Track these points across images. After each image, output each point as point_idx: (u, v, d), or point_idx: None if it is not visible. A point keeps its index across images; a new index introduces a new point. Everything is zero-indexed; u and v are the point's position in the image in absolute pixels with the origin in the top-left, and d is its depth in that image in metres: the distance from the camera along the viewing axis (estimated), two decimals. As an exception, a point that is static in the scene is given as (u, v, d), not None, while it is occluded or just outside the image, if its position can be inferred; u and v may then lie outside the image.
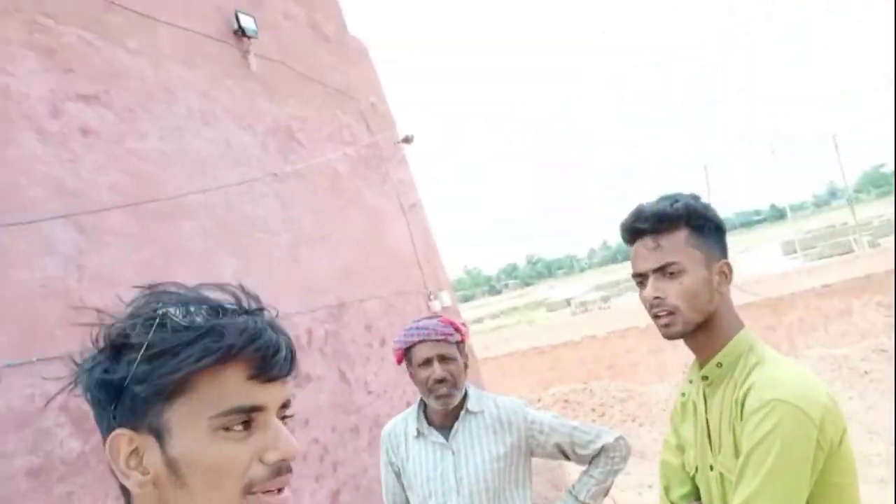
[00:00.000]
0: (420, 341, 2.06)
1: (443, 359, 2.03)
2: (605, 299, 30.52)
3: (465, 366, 2.12)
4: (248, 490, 0.72)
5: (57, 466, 3.00)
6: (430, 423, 2.13)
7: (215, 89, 4.72)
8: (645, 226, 1.44)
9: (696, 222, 1.43)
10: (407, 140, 6.79)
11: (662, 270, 1.42)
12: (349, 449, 5.14)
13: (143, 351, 0.72)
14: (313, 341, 5.07)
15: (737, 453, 1.32)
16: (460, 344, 2.09)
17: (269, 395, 0.75)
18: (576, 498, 2.07)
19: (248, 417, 0.73)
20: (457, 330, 2.08)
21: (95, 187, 3.55)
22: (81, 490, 3.06)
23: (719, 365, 1.42)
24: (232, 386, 0.73)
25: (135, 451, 0.74)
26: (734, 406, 1.34)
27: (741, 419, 1.30)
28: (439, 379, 2.01)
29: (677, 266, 1.40)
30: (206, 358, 0.71)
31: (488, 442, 2.06)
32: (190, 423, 0.72)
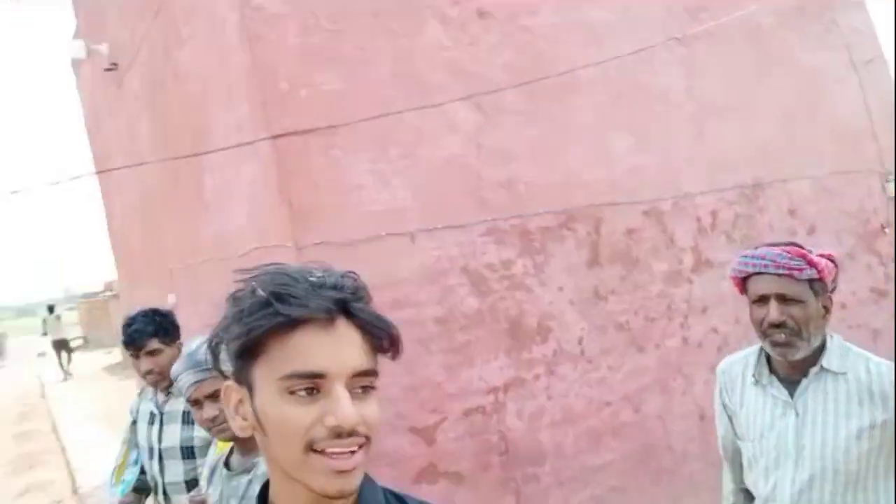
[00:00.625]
0: (756, 273, 1.65)
1: (783, 299, 1.58)
2: None
3: (825, 311, 1.64)
4: (310, 448, 0.77)
5: (458, 318, 3.47)
6: (772, 371, 1.74)
7: (617, -49, 4.42)
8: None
9: None
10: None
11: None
12: (755, 343, 4.68)
13: (232, 313, 0.82)
14: (718, 224, 4.64)
15: None
16: (817, 282, 1.61)
17: (331, 363, 0.78)
18: None
19: (311, 383, 0.78)
20: (811, 264, 1.60)
21: (491, 68, 3.76)
22: (477, 340, 3.50)
23: None
24: (296, 351, 0.78)
25: (240, 401, 0.84)
26: None
27: None
28: (775, 323, 1.60)
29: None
30: (270, 322, 0.77)
31: (848, 413, 1.60)
32: (266, 382, 0.79)
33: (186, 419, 2.51)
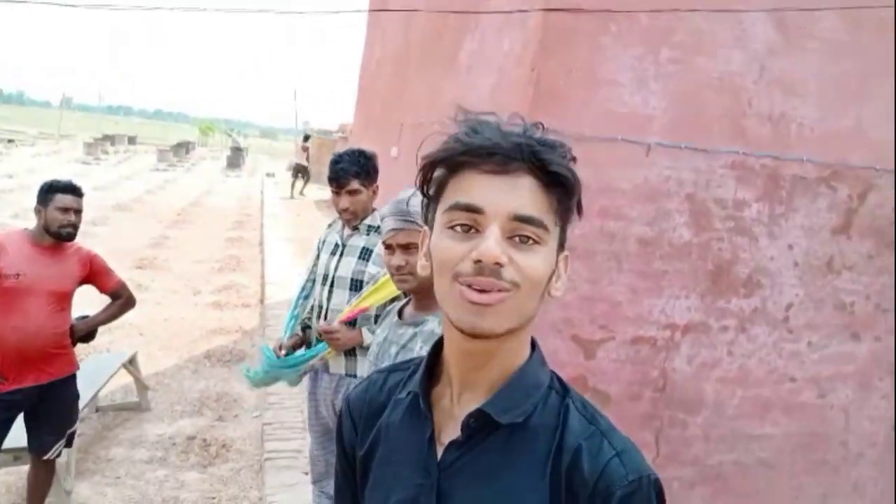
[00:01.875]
0: None
1: None
2: None
3: None
4: (456, 278, 0.78)
5: (663, 245, 3.32)
6: None
7: None
8: None
9: None
10: None
11: None
12: None
13: (426, 161, 0.85)
14: None
15: None
16: None
17: (491, 201, 0.78)
18: None
19: (470, 219, 0.78)
20: None
21: (814, -19, 3.18)
22: (675, 273, 3.35)
23: None
24: (465, 185, 0.80)
25: (423, 242, 0.90)
26: None
27: None
28: None
29: None
30: (443, 159, 0.81)
31: None
32: (438, 220, 0.83)
33: (363, 254, 2.68)
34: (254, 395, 5.12)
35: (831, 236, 3.52)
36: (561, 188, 0.80)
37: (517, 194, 0.78)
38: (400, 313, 1.96)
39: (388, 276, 2.59)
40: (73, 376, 3.08)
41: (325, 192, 21.23)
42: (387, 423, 0.94)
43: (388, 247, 1.87)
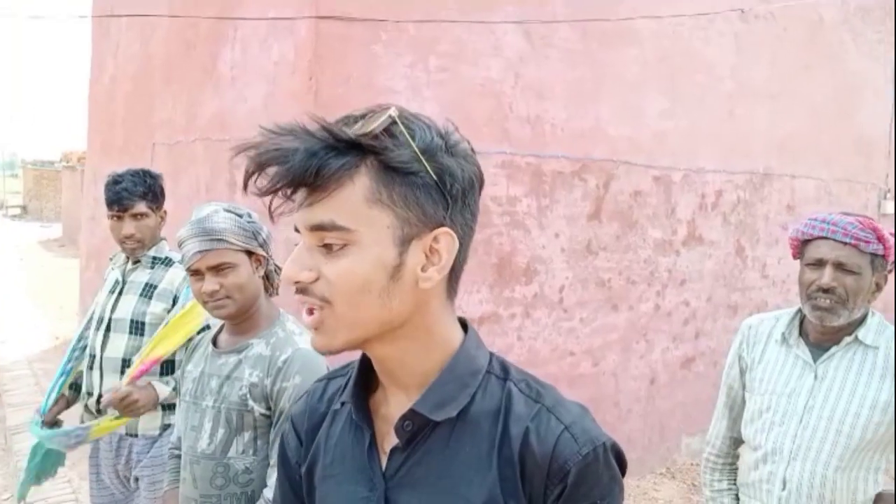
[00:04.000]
0: (821, 237, 1.66)
1: (840, 266, 1.62)
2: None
3: (877, 287, 1.66)
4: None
5: (454, 244, 3.47)
6: (801, 333, 1.79)
7: None
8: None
9: None
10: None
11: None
12: (719, 325, 4.87)
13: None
14: (719, 205, 4.67)
15: None
16: (879, 259, 1.63)
17: (299, 216, 0.74)
18: None
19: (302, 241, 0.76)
20: (879, 239, 1.62)
21: (551, -3, 3.57)
22: (465, 271, 3.52)
23: None
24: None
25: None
26: None
27: None
28: (825, 288, 1.62)
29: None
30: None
31: (868, 384, 1.66)
32: None
33: (146, 291, 2.40)
34: None
35: (587, 222, 3.97)
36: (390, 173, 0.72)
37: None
38: (214, 342, 1.78)
39: (179, 315, 2.34)
40: None
41: (50, 230, 18.59)
42: (326, 434, 0.89)
43: (195, 273, 1.68)
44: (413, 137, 0.73)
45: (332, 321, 0.74)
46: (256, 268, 1.73)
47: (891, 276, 1.72)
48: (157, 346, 2.29)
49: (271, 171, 0.70)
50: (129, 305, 2.39)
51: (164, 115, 4.82)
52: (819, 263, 1.68)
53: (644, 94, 4.09)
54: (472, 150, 0.80)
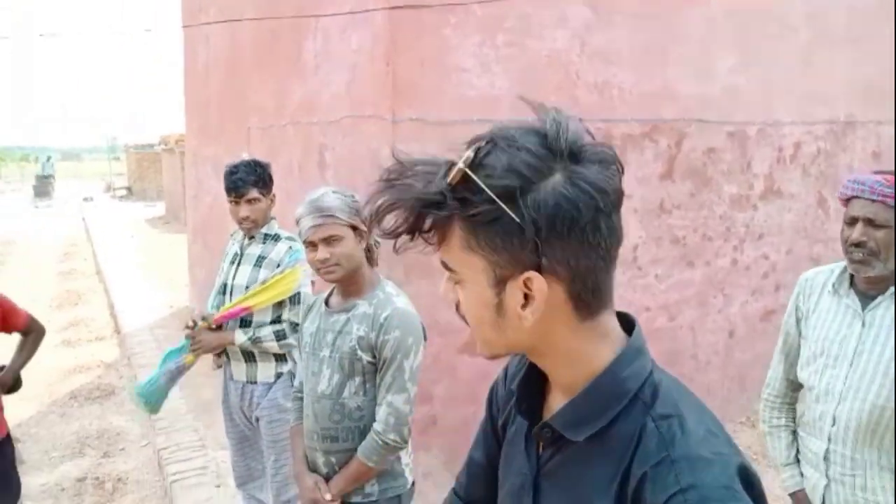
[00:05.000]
0: (853, 197, 1.79)
1: (870, 222, 1.74)
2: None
3: None
4: None
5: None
6: (851, 284, 1.93)
7: None
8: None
9: None
10: None
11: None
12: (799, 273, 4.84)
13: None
14: (798, 157, 4.63)
15: None
16: None
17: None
18: None
19: None
20: None
21: (615, -36, 3.64)
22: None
23: None
24: None
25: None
26: None
27: None
28: (855, 242, 1.77)
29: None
30: None
31: None
32: None
33: (258, 262, 2.78)
34: (137, 425, 4.94)
35: (659, 182, 4.07)
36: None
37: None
38: (327, 303, 2.11)
39: (275, 279, 2.71)
40: (6, 439, 2.77)
41: (154, 209, 19.91)
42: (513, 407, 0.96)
43: (310, 244, 2.00)
44: (492, 180, 0.72)
45: (475, 337, 0.83)
46: (359, 241, 2.03)
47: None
48: (249, 298, 2.72)
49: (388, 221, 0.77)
50: (245, 273, 2.80)
51: (256, 100, 5.20)
52: (853, 221, 1.82)
53: (714, 51, 4.09)
54: (607, 160, 0.78)
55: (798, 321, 2.08)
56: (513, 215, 0.72)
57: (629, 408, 0.79)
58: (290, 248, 2.77)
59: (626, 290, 4.08)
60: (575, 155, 0.74)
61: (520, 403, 0.92)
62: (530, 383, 0.91)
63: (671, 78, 3.97)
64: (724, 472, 0.72)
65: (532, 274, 0.75)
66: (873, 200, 1.77)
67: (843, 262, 2.00)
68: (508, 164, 0.73)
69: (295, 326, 2.73)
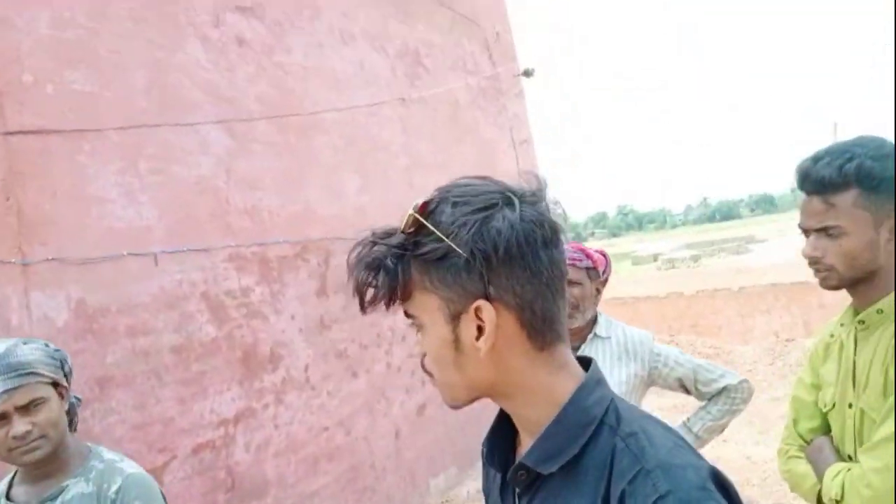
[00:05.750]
0: None
1: (569, 282, 2.14)
2: (696, 258, 29.57)
3: (598, 292, 2.18)
4: None
5: (195, 347, 3.36)
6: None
7: (355, 8, 4.82)
8: (811, 187, 1.43)
9: (870, 183, 1.38)
10: (527, 73, 6.72)
11: (823, 231, 1.43)
12: (438, 369, 5.42)
13: None
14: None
15: (886, 393, 1.38)
16: (591, 270, 2.14)
17: None
18: (690, 430, 2.18)
19: None
20: (588, 256, 2.15)
21: (246, 96, 3.77)
22: (212, 370, 3.43)
23: (879, 312, 1.44)
24: None
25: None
26: (892, 349, 1.39)
27: None
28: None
29: (839, 230, 1.41)
30: None
31: (611, 367, 2.13)
32: None
33: None
34: None
35: (317, 299, 4.17)
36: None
37: None
38: (8, 496, 1.56)
39: None
40: None
41: None
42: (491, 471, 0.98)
43: (2, 416, 1.47)
44: (439, 223, 0.81)
45: (439, 386, 0.87)
46: (62, 402, 1.58)
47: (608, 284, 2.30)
48: None
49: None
50: None
51: None
52: None
53: (341, 174, 4.49)
54: (540, 200, 0.84)
55: None
56: (458, 249, 0.79)
57: (597, 434, 0.82)
58: None
59: (304, 413, 3.97)
60: (514, 196, 0.82)
61: (491, 456, 0.93)
62: (499, 435, 0.93)
63: (311, 199, 4.19)
64: (698, 475, 0.75)
65: (481, 302, 0.80)
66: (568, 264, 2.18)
67: None
68: (453, 207, 0.81)
69: None
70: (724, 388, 2.18)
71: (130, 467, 1.61)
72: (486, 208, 0.80)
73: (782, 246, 29.52)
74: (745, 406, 2.20)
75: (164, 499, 1.67)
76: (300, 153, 4.16)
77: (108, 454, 1.64)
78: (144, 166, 3.20)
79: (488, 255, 0.79)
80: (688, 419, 2.24)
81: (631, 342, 2.20)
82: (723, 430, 2.25)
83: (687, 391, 2.22)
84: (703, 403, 2.24)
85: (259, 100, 3.86)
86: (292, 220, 4.03)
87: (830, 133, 16.37)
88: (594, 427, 0.82)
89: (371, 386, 4.61)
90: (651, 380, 2.20)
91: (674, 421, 2.18)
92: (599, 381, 0.86)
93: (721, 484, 0.77)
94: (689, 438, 2.16)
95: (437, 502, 5.16)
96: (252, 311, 3.69)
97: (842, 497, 1.41)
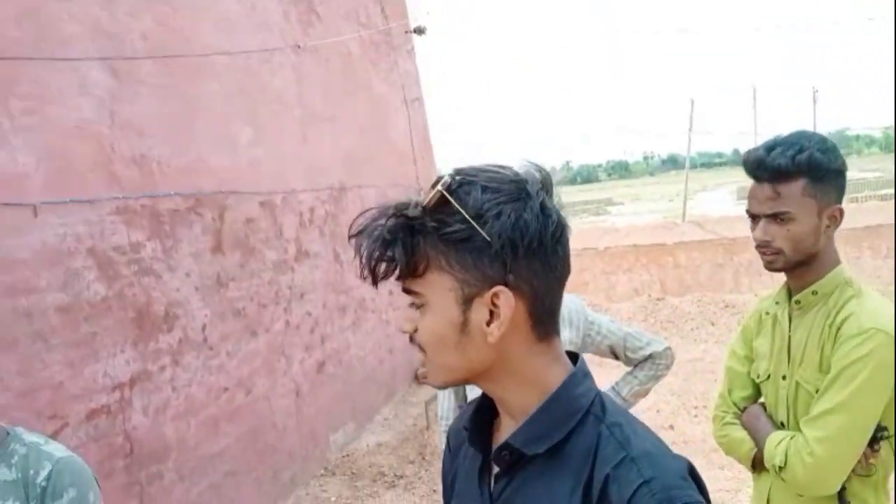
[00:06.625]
0: None
1: None
2: (560, 219, 30.82)
3: None
4: None
5: (83, 307, 3.08)
6: None
7: (243, -55, 4.51)
8: (764, 175, 1.54)
9: (817, 174, 1.50)
10: (419, 31, 6.64)
11: (774, 217, 1.53)
12: (336, 326, 5.35)
13: None
14: (314, 220, 5.14)
15: (822, 369, 1.52)
16: None
17: None
18: (618, 394, 2.29)
19: None
20: None
21: (129, 32, 3.44)
22: (103, 332, 3.16)
23: (814, 293, 1.58)
24: None
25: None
26: (827, 328, 1.53)
27: (835, 341, 1.49)
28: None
29: (789, 215, 1.52)
30: None
31: None
32: None
33: None
34: None
35: (212, 256, 3.94)
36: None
37: None
38: None
39: None
40: None
41: None
42: (463, 454, 0.97)
43: None
44: (466, 204, 0.79)
45: (430, 365, 0.86)
46: None
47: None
48: None
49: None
50: None
51: None
52: None
53: (233, 124, 4.24)
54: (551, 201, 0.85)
55: None
56: (484, 234, 0.79)
57: (583, 422, 0.84)
58: None
59: (203, 373, 3.78)
60: (534, 188, 0.83)
61: (472, 437, 0.93)
62: (480, 419, 0.94)
63: (203, 150, 3.93)
64: (679, 466, 0.81)
65: (500, 289, 0.80)
66: None
67: None
68: (482, 190, 0.80)
69: None
70: (650, 356, 2.28)
71: (58, 451, 1.47)
72: (517, 199, 0.80)
73: (637, 209, 31.75)
74: (667, 371, 2.32)
75: (97, 480, 1.53)
76: (189, 99, 3.87)
77: (30, 436, 1.48)
78: (17, 105, 2.84)
79: (515, 245, 0.79)
80: (616, 384, 2.33)
81: (567, 310, 2.22)
82: (647, 394, 2.37)
83: (616, 357, 2.31)
84: (629, 369, 2.34)
85: (144, 37, 3.53)
86: (183, 171, 3.76)
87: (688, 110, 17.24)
88: (581, 416, 0.84)
89: (270, 345, 4.46)
90: (584, 346, 2.26)
91: (601, 385, 2.30)
92: (587, 374, 0.89)
93: (696, 480, 0.81)
94: (618, 401, 2.27)
95: (337, 457, 5.13)
96: (144, 269, 3.43)
97: (785, 463, 1.52)
